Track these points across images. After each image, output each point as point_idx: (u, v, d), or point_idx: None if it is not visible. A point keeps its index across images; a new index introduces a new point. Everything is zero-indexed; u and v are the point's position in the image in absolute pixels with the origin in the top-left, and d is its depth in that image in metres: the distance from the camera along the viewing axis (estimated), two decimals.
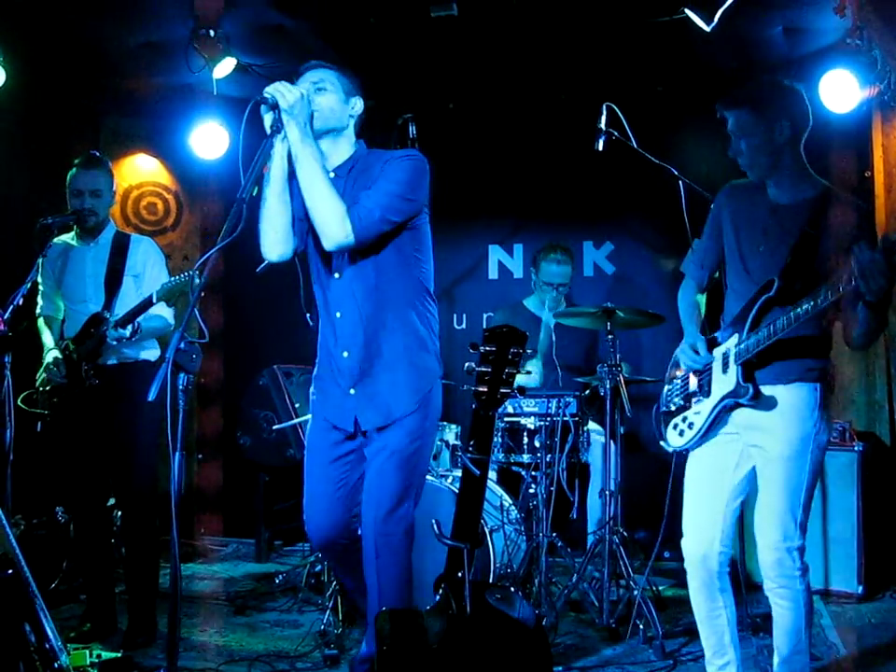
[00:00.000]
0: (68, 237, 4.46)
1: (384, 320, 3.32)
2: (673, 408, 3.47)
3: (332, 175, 3.31)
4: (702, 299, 3.59)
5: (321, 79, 3.31)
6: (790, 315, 2.97)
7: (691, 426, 3.33)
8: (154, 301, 4.11)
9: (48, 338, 4.46)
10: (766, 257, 3.21)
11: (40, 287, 4.50)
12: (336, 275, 3.34)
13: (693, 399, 3.36)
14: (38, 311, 4.55)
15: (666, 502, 3.54)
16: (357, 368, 3.33)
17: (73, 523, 4.72)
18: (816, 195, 3.20)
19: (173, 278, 4.11)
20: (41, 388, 4.42)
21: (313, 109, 3.16)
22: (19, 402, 4.36)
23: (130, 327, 4.16)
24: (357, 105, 3.40)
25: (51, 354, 4.36)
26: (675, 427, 3.42)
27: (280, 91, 3.05)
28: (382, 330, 3.32)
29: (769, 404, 3.14)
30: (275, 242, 3.30)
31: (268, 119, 3.08)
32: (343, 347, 3.35)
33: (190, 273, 4.09)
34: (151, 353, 4.46)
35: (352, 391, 3.35)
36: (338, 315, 3.35)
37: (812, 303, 2.92)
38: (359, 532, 3.48)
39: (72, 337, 4.35)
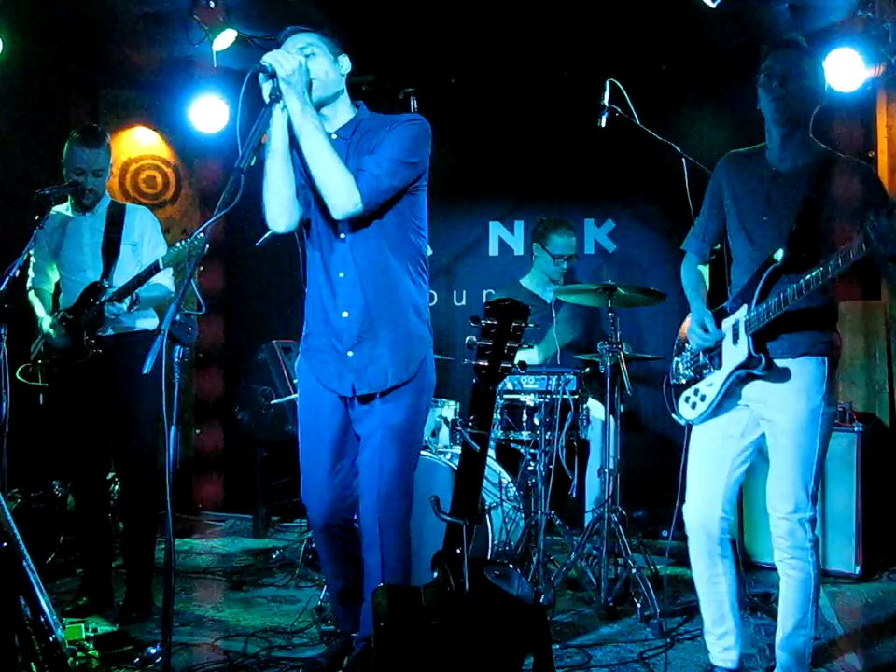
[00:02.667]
0: (62, 207, 4.42)
1: (383, 284, 3.30)
2: (683, 380, 3.46)
3: (335, 136, 3.29)
4: (705, 269, 3.57)
5: (307, 44, 3.25)
6: (800, 284, 2.96)
7: (703, 398, 3.34)
8: (161, 266, 4.07)
9: (40, 309, 4.43)
10: (771, 226, 3.20)
11: (32, 260, 4.45)
12: (341, 236, 3.31)
13: (704, 371, 3.36)
14: (29, 283, 4.51)
15: (679, 480, 3.52)
16: (356, 329, 3.30)
17: (73, 496, 4.69)
18: (816, 160, 3.21)
19: (181, 242, 4.07)
20: (39, 361, 4.39)
21: (310, 78, 3.14)
22: (17, 376, 4.33)
23: (128, 299, 4.13)
24: (345, 62, 3.35)
25: (47, 321, 4.32)
26: (686, 399, 3.42)
27: (278, 59, 3.02)
28: (381, 295, 3.30)
29: (778, 378, 3.15)
30: (281, 213, 3.29)
31: (266, 88, 3.05)
32: (343, 308, 3.32)
33: (196, 236, 4.06)
34: (149, 322, 4.42)
35: (350, 353, 3.32)
36: (340, 275, 3.32)
37: (822, 271, 2.90)
38: (354, 517, 3.48)
39: (69, 307, 4.32)
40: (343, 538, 3.48)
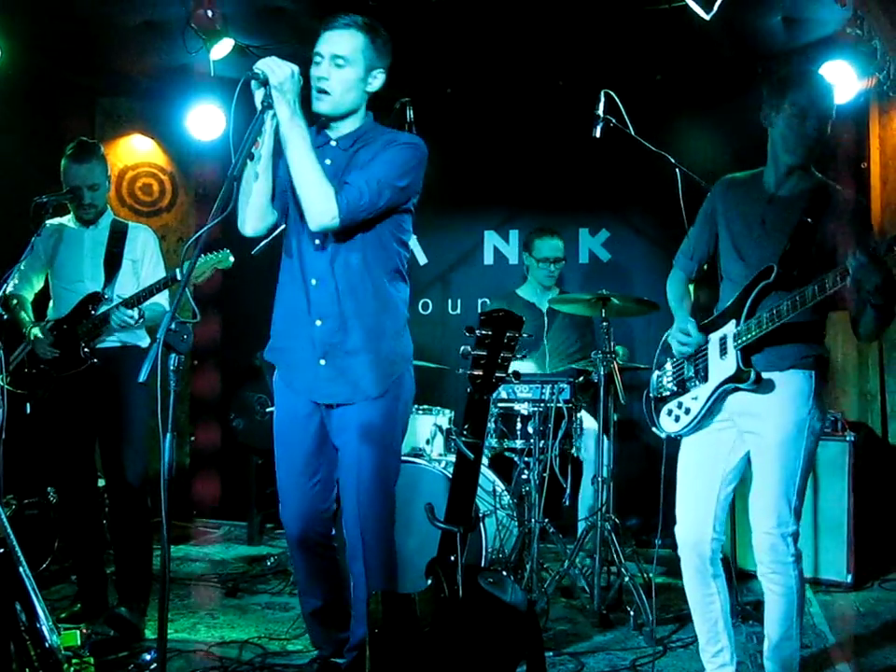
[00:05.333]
0: (65, 220, 4.43)
1: (359, 297, 3.28)
2: (665, 393, 3.47)
3: (334, 143, 3.29)
4: (690, 288, 3.59)
5: (343, 54, 3.17)
6: (794, 299, 2.97)
7: (687, 411, 3.34)
8: (178, 277, 4.06)
9: (25, 315, 4.38)
10: (764, 245, 3.21)
11: (20, 266, 4.41)
12: (317, 241, 3.28)
13: (689, 384, 3.36)
14: (10, 289, 4.34)
15: (661, 490, 3.54)
16: (329, 338, 3.28)
17: (60, 504, 4.67)
18: (813, 187, 3.22)
19: (208, 255, 4.11)
20: (26, 370, 4.36)
21: (324, 90, 3.15)
22: (3, 383, 4.32)
23: (136, 311, 4.13)
24: (378, 79, 3.30)
25: (35, 331, 4.29)
26: (669, 412, 3.42)
27: (270, 66, 3.00)
28: (356, 306, 3.27)
29: (765, 391, 3.15)
30: (251, 216, 3.27)
31: (258, 95, 3.04)
32: (316, 315, 3.29)
33: (224, 251, 4.17)
34: (142, 340, 4.40)
35: (322, 362, 3.30)
36: (313, 282, 3.29)
37: (818, 288, 2.92)
38: (332, 532, 3.48)
39: (64, 316, 4.31)
40: (318, 552, 3.46)
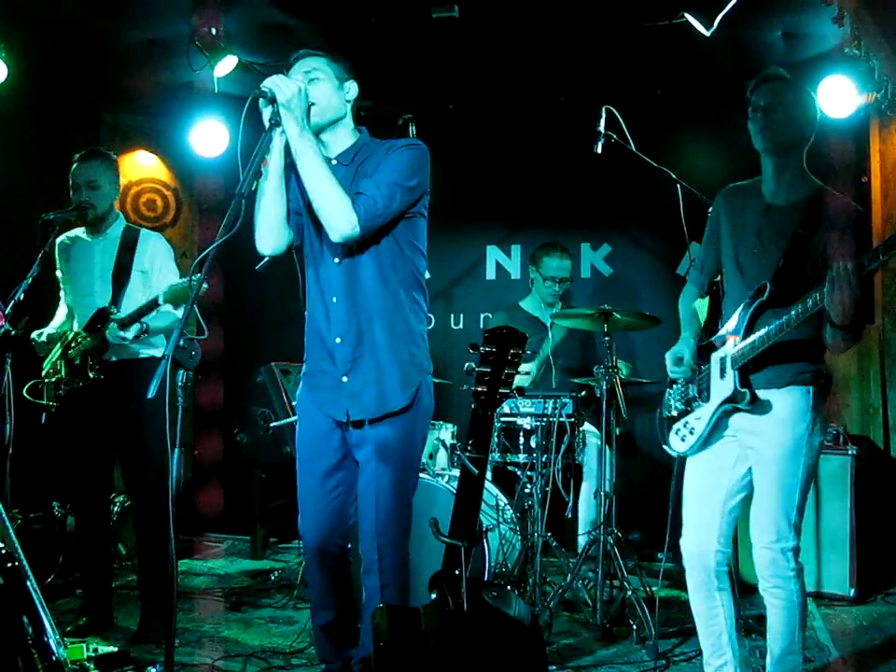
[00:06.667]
0: (79, 231, 4.47)
1: (378, 309, 3.30)
2: (675, 412, 3.48)
3: (334, 162, 3.31)
4: (702, 304, 3.60)
5: (313, 69, 3.28)
6: (782, 321, 2.99)
7: (692, 431, 3.35)
8: (161, 303, 4.09)
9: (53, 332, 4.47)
10: (760, 259, 3.23)
11: (27, 281, 4.41)
12: (336, 260, 3.32)
13: (694, 404, 3.38)
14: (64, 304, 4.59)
15: (670, 505, 3.55)
16: (350, 354, 3.31)
17: (74, 517, 4.71)
18: (809, 195, 3.22)
19: (181, 280, 4.11)
20: (46, 379, 4.40)
21: (310, 102, 3.17)
22: (24, 393, 4.34)
23: (136, 328, 4.13)
24: (352, 89, 3.38)
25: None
26: (677, 431, 3.44)
27: (278, 84, 3.04)
28: (376, 319, 3.30)
29: (764, 409, 3.16)
30: (268, 236, 3.31)
31: (266, 112, 3.07)
32: (336, 333, 3.33)
33: (194, 277, 4.13)
34: (157, 349, 4.40)
35: (344, 379, 3.33)
36: (334, 300, 3.33)
37: (802, 308, 2.94)
38: (349, 545, 3.49)
39: (78, 331, 4.35)
40: (335, 566, 3.47)
